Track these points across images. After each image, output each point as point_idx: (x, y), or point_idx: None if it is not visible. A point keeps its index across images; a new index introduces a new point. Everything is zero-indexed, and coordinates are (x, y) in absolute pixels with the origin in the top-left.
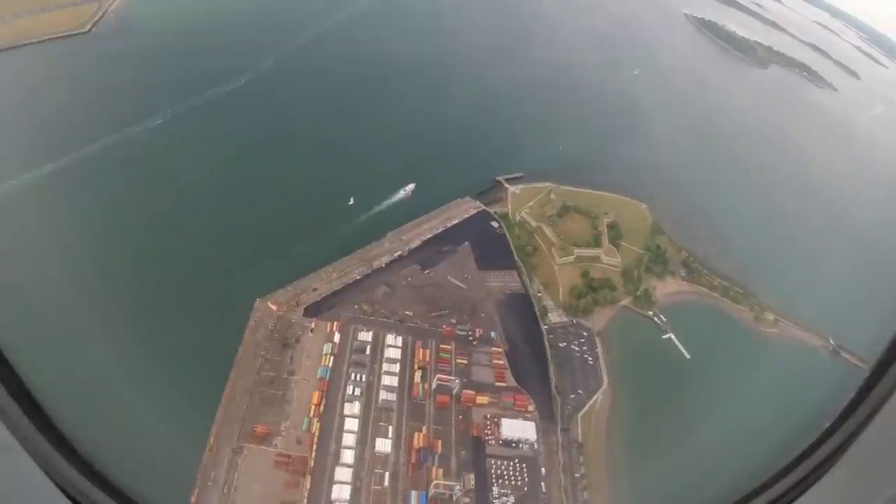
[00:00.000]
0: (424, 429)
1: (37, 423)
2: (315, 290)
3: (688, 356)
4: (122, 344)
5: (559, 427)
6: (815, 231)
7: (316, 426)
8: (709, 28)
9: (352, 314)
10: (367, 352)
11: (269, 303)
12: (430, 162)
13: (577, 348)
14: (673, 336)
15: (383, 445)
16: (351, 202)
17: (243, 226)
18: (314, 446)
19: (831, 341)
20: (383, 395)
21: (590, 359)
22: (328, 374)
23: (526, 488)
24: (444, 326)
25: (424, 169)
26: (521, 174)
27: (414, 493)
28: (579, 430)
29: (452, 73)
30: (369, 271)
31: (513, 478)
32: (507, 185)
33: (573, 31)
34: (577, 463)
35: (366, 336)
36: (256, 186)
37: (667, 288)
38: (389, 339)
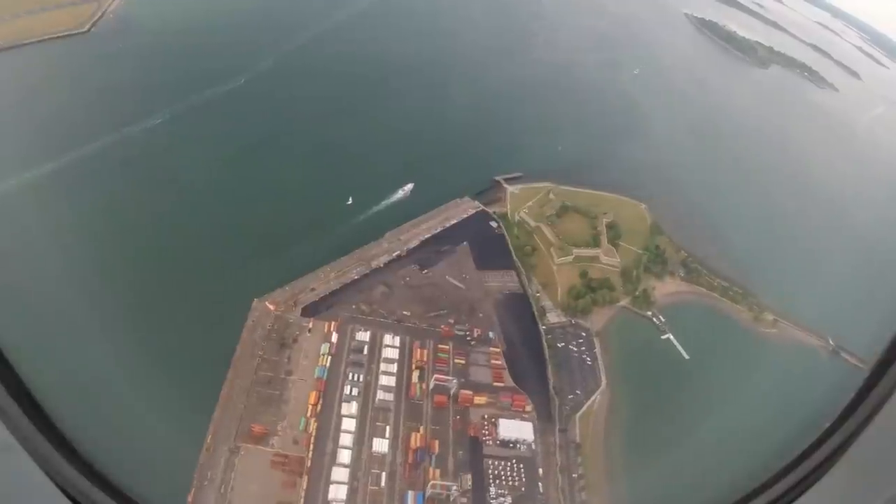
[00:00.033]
0: (422, 429)
1: (37, 423)
2: (313, 289)
3: (686, 356)
4: (120, 343)
5: (557, 427)
6: (815, 231)
7: (313, 426)
8: (709, 28)
9: (350, 314)
10: (365, 352)
11: (266, 303)
12: (428, 162)
13: (575, 348)
14: (672, 336)
15: (380, 445)
16: (349, 202)
17: (241, 225)
18: (311, 446)
19: (831, 342)
20: (381, 395)
21: (588, 359)
22: (325, 374)
23: (523, 489)
24: (442, 326)
25: (423, 169)
26: (520, 174)
27: (411, 494)
28: (577, 431)
29: (452, 72)
30: (367, 271)
31: (510, 478)
32: (505, 185)
33: (573, 30)
34: (574, 463)
35: (363, 336)
36: (255, 186)
37: (666, 288)
38: (387, 339)
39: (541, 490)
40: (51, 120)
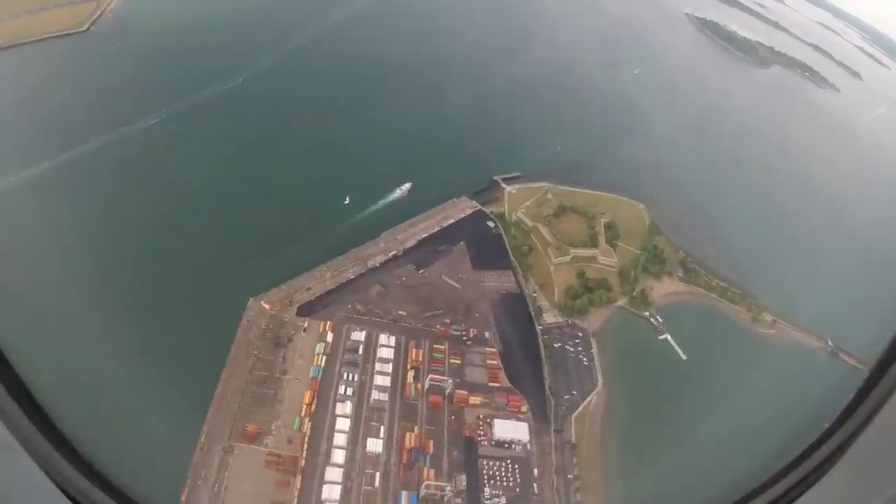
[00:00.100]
0: (416, 429)
1: (37, 423)
2: (309, 289)
3: (684, 357)
4: (117, 343)
5: (552, 428)
6: (815, 232)
7: (307, 426)
8: (710, 28)
9: (345, 314)
10: (360, 351)
11: (262, 302)
12: (427, 161)
13: (571, 349)
14: (669, 337)
15: (374, 445)
16: (347, 201)
17: (238, 224)
18: (305, 446)
19: (830, 342)
20: (375, 394)
21: (584, 359)
22: (320, 374)
23: (518, 489)
24: (437, 326)
25: (421, 168)
26: (518, 174)
27: (405, 494)
28: (573, 431)
29: (451, 72)
30: (363, 271)
31: (505, 479)
32: (503, 185)
33: (574, 30)
34: (570, 464)
35: (359, 336)
36: (252, 185)
37: (664, 288)
38: (382, 338)
39: (536, 491)
40: (49, 119)
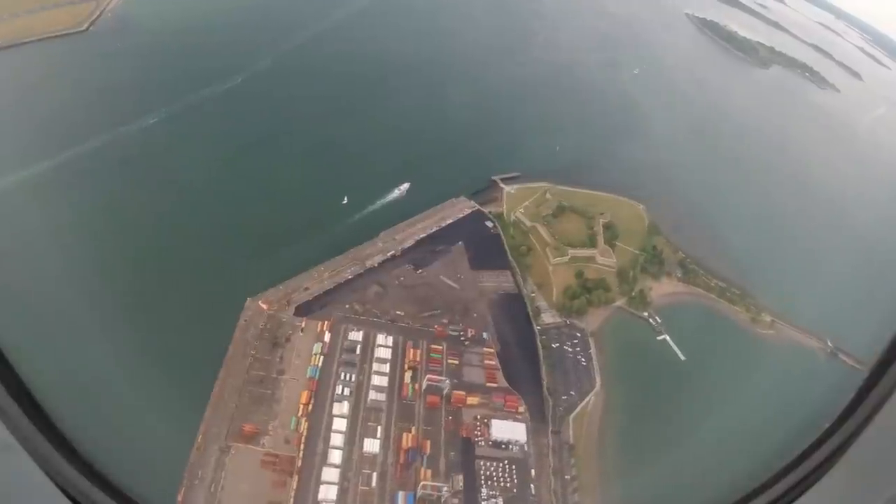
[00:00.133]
0: (413, 429)
1: (37, 423)
2: (306, 289)
3: (682, 357)
4: (116, 343)
5: (550, 429)
6: (815, 232)
7: (304, 426)
8: (710, 28)
9: (343, 314)
10: (358, 351)
11: (259, 302)
12: (425, 161)
13: (570, 349)
14: (668, 337)
15: (371, 446)
16: (345, 201)
17: (237, 224)
18: (302, 446)
19: (829, 343)
20: (373, 395)
21: (583, 360)
22: (317, 374)
23: (515, 490)
24: (435, 326)
25: (420, 168)
26: (517, 174)
27: (401, 494)
28: (570, 432)
29: (451, 71)
30: (361, 271)
31: (502, 479)
32: (502, 185)
33: (573, 30)
34: (567, 465)
35: (356, 336)
36: (251, 185)
37: (662, 289)
38: (380, 338)
39: (533, 491)
40: (48, 118)
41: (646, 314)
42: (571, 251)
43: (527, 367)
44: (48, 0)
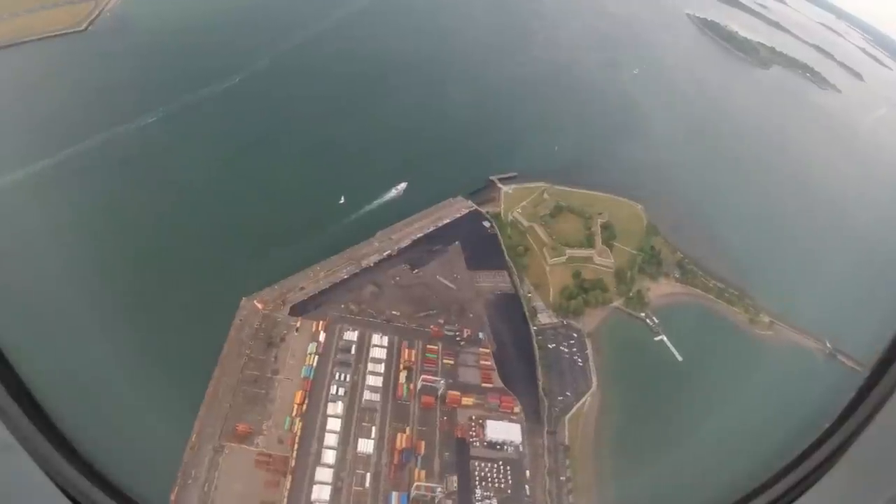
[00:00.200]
0: (408, 430)
1: (37, 423)
2: (302, 288)
3: (680, 358)
4: (113, 342)
5: (545, 429)
6: (815, 233)
7: (298, 426)
8: (711, 28)
9: (338, 313)
10: (353, 351)
11: (255, 301)
12: (424, 161)
13: (566, 350)
14: (665, 338)
15: (366, 446)
16: (342, 201)
17: (233, 224)
18: (296, 446)
19: (828, 344)
20: (367, 395)
21: (579, 360)
22: (312, 374)
23: (510, 491)
24: (431, 326)
25: (418, 168)
26: (515, 174)
27: (395, 494)
28: (566, 433)
29: (451, 70)
30: (357, 270)
31: (496, 480)
32: (500, 185)
33: (573, 30)
34: (562, 466)
35: (351, 335)
36: (248, 185)
37: (660, 289)
38: (375, 338)
39: (527, 492)
40: (47, 118)
41: (643, 315)
42: (569, 251)
43: (523, 368)
44: (47, 0)
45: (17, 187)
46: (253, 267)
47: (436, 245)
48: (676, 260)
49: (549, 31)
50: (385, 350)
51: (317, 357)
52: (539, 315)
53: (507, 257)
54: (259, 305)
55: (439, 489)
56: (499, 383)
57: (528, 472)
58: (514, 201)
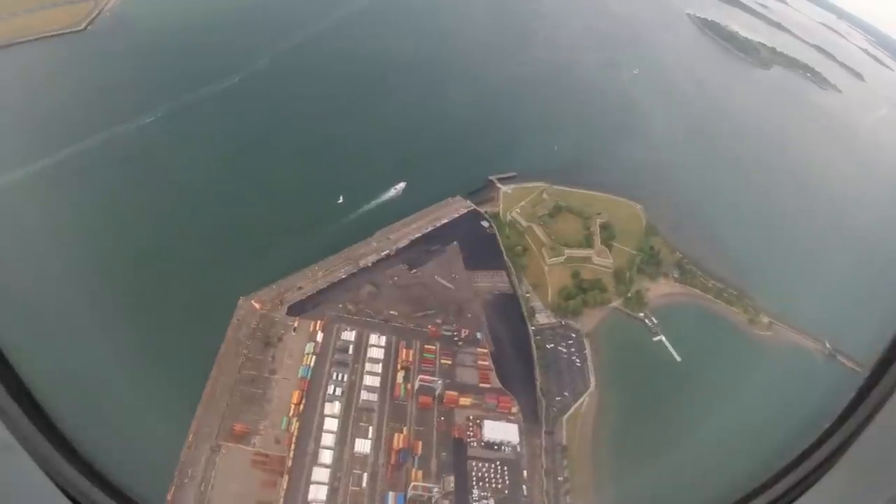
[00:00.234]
0: (405, 430)
1: (37, 423)
2: (300, 288)
3: (678, 359)
4: (112, 342)
5: (543, 429)
6: (815, 234)
7: (295, 426)
8: (712, 28)
9: (336, 313)
10: (350, 351)
11: (252, 301)
12: (422, 160)
13: (564, 350)
14: (664, 338)
15: (363, 446)
16: (340, 200)
17: (231, 224)
18: (293, 446)
19: (827, 345)
20: (364, 395)
21: (577, 360)
22: (309, 374)
23: (507, 491)
24: (429, 326)
25: (417, 167)
26: (514, 174)
27: (392, 495)
28: (564, 433)
29: (451, 70)
30: (355, 270)
31: (494, 480)
32: (499, 185)
33: (574, 29)
34: (560, 466)
35: (349, 335)
36: (246, 184)
37: (659, 289)
38: (373, 338)
39: (525, 493)
40: (45, 118)
41: (642, 315)
42: (567, 251)
43: (520, 368)
44: (46, 0)
45: (16, 187)
46: (251, 266)
47: (434, 245)
48: (675, 260)
49: (549, 31)
50: (382, 350)
51: (314, 357)
52: (537, 315)
53: (505, 257)
54: (257, 305)
55: (436, 489)
56: (496, 383)
57: (525, 473)
58: (512, 201)
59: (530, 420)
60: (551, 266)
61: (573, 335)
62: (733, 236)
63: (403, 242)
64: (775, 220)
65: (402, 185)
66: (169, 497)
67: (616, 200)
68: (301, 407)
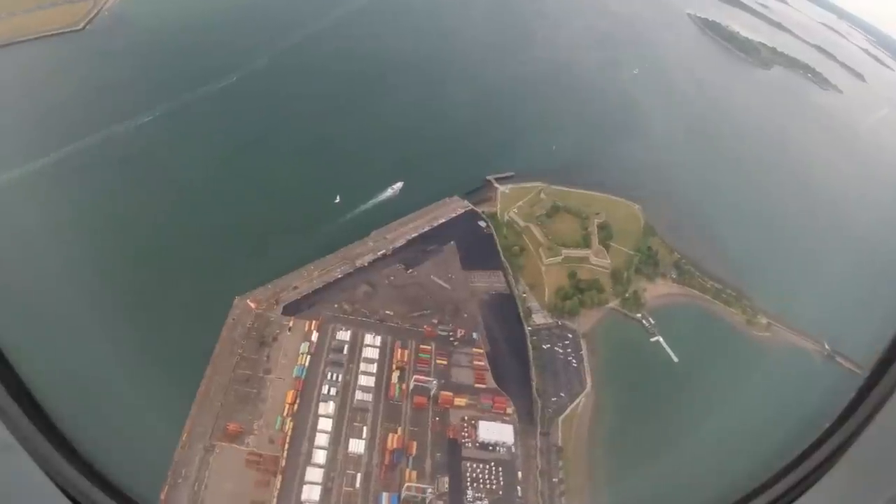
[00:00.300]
0: (399, 430)
1: (37, 423)
2: (295, 288)
3: (676, 359)
4: (109, 341)
5: (538, 430)
6: (815, 234)
7: (289, 425)
8: (712, 28)
9: (331, 313)
10: (345, 351)
11: (248, 300)
12: (421, 160)
13: (560, 350)
14: (661, 339)
15: (356, 446)
16: (337, 200)
17: (228, 223)
18: (286, 446)
19: (826, 346)
20: (359, 395)
21: (574, 361)
22: (304, 374)
23: (501, 492)
24: (424, 326)
25: (415, 167)
26: (512, 174)
27: (385, 495)
28: (559, 434)
29: (450, 69)
30: (352, 270)
31: (488, 481)
32: (496, 185)
33: (574, 29)
34: (555, 467)
35: (344, 335)
36: (243, 184)
37: (657, 290)
38: (368, 338)
39: (519, 494)
40: (44, 117)
41: (639, 315)
42: (565, 251)
43: (516, 368)
44: None
45: (15, 186)
46: (247, 266)
47: (431, 245)
48: (674, 260)
49: (550, 31)
50: (378, 350)
51: (309, 357)
52: (534, 315)
53: (502, 257)
54: (252, 304)
55: (430, 490)
56: (492, 384)
57: (520, 474)
58: (510, 201)
59: (525, 421)
60: (548, 266)
61: (570, 336)
62: (732, 237)
63: (400, 242)
64: (775, 221)
65: (399, 184)
66: (162, 497)
67: (614, 200)
68: (295, 407)
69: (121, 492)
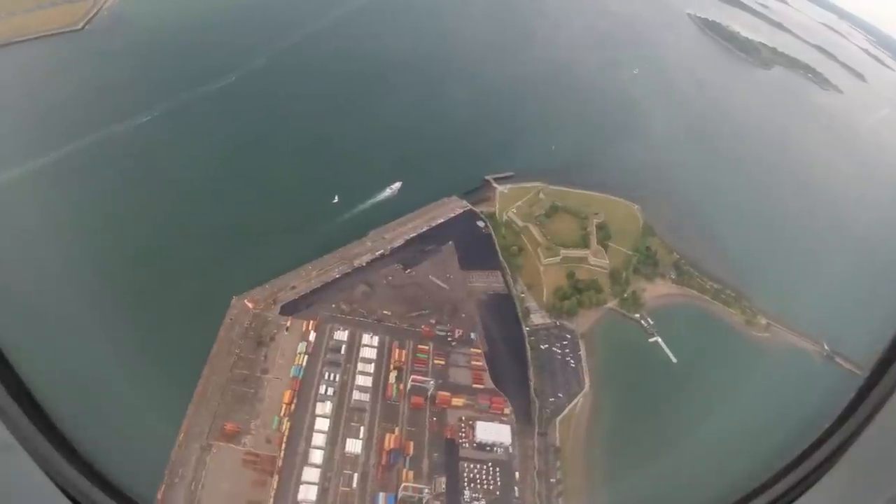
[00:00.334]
0: (397, 430)
1: (37, 423)
2: (293, 288)
3: (674, 360)
4: (108, 341)
5: (536, 431)
6: (814, 234)
7: (286, 425)
8: (712, 28)
9: (329, 313)
10: (343, 351)
11: (245, 300)
12: (420, 160)
13: (559, 350)
14: (660, 339)
15: (354, 446)
16: (335, 200)
17: (226, 223)
18: (283, 445)
19: (825, 346)
20: (356, 395)
21: (572, 361)
22: (301, 373)
23: (498, 493)
24: (422, 327)
25: (413, 167)
26: (511, 174)
27: (382, 495)
28: (557, 435)
29: (450, 69)
30: (349, 270)
31: (485, 482)
32: (495, 185)
33: (574, 29)
34: (553, 468)
35: (342, 335)
36: (242, 184)
37: (656, 290)
38: (366, 338)
39: (516, 494)
40: (42, 116)
41: (638, 316)
42: (563, 251)
43: (514, 369)
44: None
45: (15, 186)
46: (244, 266)
47: (429, 245)
48: (673, 261)
49: (549, 31)
50: (375, 350)
51: (306, 357)
52: (532, 315)
53: (500, 257)
54: (249, 304)
55: (427, 490)
56: (490, 384)
57: (517, 474)
58: (509, 201)
59: (523, 421)
60: (547, 266)
61: (568, 336)
62: (732, 237)
63: (398, 242)
64: (774, 221)
65: (398, 184)
66: (159, 496)
67: (613, 200)
68: (292, 407)
69: (120, 491)
